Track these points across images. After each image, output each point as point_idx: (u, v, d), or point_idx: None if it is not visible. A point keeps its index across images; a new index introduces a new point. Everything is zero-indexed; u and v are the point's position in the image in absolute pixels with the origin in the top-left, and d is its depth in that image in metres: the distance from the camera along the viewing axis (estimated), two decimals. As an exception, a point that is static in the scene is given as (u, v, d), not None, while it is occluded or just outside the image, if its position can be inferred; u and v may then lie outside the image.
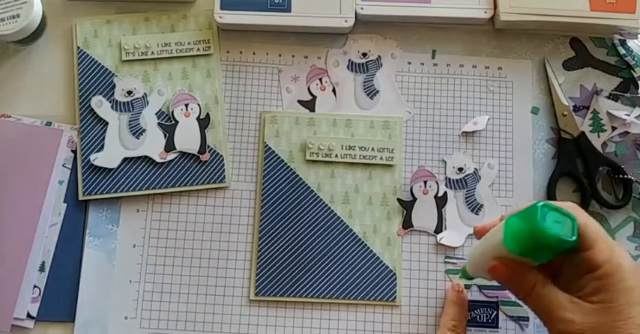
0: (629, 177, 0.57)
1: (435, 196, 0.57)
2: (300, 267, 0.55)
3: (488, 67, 0.60)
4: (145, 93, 0.58)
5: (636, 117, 0.58)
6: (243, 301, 0.55)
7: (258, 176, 0.57)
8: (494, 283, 0.55)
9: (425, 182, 0.57)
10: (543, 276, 0.42)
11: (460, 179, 0.58)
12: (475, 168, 0.58)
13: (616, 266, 0.40)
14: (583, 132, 0.58)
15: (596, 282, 0.40)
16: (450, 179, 0.58)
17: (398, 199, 0.57)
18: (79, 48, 0.59)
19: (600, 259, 0.40)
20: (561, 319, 0.40)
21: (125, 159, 0.57)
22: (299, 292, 0.55)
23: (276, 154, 0.57)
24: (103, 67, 0.59)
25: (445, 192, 0.57)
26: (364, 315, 0.55)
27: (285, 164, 0.57)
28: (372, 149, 0.57)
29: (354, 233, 0.56)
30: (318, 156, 0.57)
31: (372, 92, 0.60)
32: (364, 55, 0.60)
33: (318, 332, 0.54)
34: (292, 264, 0.55)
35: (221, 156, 0.58)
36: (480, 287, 0.55)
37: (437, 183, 0.58)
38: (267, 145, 0.58)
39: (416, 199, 0.57)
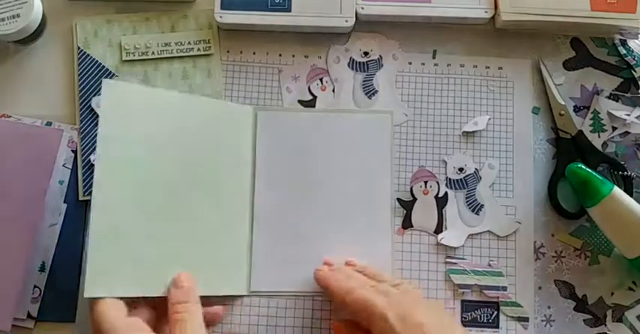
0: (630, 173, 0.57)
1: (436, 196, 0.57)
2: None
3: (488, 67, 0.60)
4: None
5: (636, 118, 0.58)
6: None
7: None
8: (495, 283, 0.55)
9: (425, 182, 0.57)
10: None
11: (460, 179, 0.58)
12: (476, 169, 0.58)
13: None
14: (581, 131, 0.58)
15: None
16: (450, 179, 0.58)
17: (398, 199, 0.57)
18: (79, 48, 0.59)
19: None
20: None
21: (125, 159, 0.57)
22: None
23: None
24: (103, 67, 0.59)
25: (446, 192, 0.57)
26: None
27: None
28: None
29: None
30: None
31: (370, 91, 0.60)
32: (366, 53, 0.60)
33: (319, 323, 0.54)
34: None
35: (221, 156, 0.58)
36: (481, 288, 0.55)
37: (437, 183, 0.58)
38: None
39: (416, 199, 0.57)
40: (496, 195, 0.58)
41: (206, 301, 0.50)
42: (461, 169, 0.58)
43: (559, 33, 0.61)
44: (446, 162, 0.58)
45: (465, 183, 0.58)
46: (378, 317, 0.45)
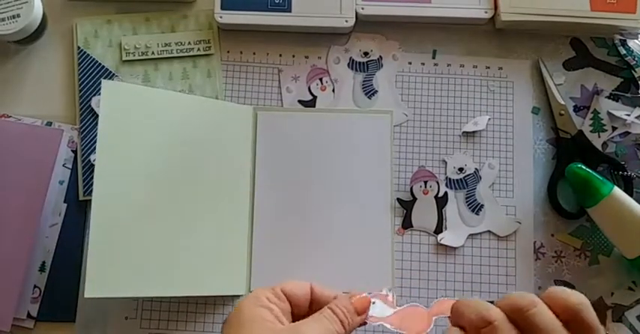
0: (630, 173, 0.57)
1: (436, 196, 0.57)
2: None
3: (488, 67, 0.60)
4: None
5: (636, 118, 0.58)
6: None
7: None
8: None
9: (425, 182, 0.57)
10: None
11: (460, 179, 0.58)
12: (476, 168, 0.58)
13: None
14: (581, 131, 0.58)
15: None
16: (450, 179, 0.58)
17: (398, 199, 0.57)
18: (79, 48, 0.59)
19: None
20: None
21: (125, 159, 0.57)
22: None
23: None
24: (103, 67, 0.59)
25: (445, 192, 0.57)
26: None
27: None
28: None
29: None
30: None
31: (370, 92, 0.60)
32: (366, 53, 0.60)
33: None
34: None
35: (221, 156, 0.58)
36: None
37: (437, 183, 0.57)
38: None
39: (416, 199, 0.57)
40: (496, 195, 0.57)
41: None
42: (461, 169, 0.58)
43: (559, 33, 0.61)
44: (446, 162, 0.58)
45: (465, 183, 0.58)
46: None
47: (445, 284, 0.55)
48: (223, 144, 0.56)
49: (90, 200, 0.55)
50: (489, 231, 0.57)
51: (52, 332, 0.54)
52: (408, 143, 0.58)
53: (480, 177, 0.58)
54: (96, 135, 0.55)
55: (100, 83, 0.58)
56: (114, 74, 0.59)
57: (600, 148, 0.58)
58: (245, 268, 0.55)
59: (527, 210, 0.57)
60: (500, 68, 0.60)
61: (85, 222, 0.56)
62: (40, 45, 0.60)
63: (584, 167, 0.55)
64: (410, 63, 0.60)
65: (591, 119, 0.59)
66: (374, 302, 0.45)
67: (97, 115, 0.57)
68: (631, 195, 0.55)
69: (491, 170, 0.58)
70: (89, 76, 0.59)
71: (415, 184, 0.57)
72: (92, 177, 0.56)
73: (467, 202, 0.57)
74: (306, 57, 0.60)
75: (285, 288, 0.44)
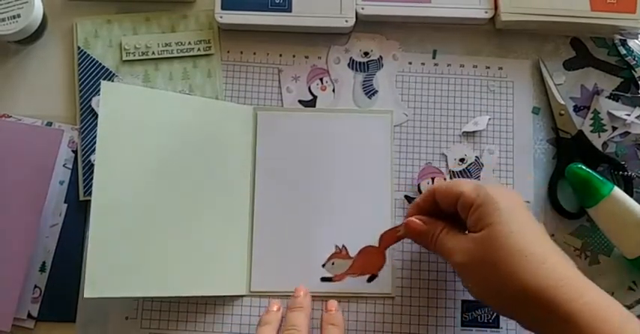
0: (630, 173, 0.57)
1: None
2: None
3: (488, 67, 0.60)
4: (146, 93, 0.58)
5: (637, 118, 0.58)
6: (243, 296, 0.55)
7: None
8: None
9: (432, 178, 0.57)
10: (447, 224, 0.49)
11: (463, 170, 0.58)
12: (476, 157, 0.58)
13: (484, 195, 0.46)
14: (581, 131, 0.58)
15: (475, 214, 0.46)
16: (453, 171, 0.58)
17: (405, 196, 0.57)
18: (79, 48, 0.59)
19: (471, 196, 0.46)
20: (457, 251, 0.46)
21: (125, 159, 0.57)
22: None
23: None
24: (103, 67, 0.59)
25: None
26: (365, 306, 0.55)
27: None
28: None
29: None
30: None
31: (370, 92, 0.60)
32: (366, 53, 0.60)
33: (318, 323, 0.54)
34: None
35: (221, 156, 0.58)
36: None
37: (445, 179, 0.58)
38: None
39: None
40: (496, 195, 0.57)
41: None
42: (462, 160, 0.58)
43: (559, 33, 0.61)
44: (446, 156, 0.58)
45: (469, 172, 0.58)
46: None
47: (446, 284, 0.55)
48: (223, 144, 0.56)
49: (90, 200, 0.55)
50: (490, 231, 0.57)
51: (52, 332, 0.54)
52: (408, 143, 0.58)
53: (482, 164, 0.58)
54: (96, 136, 0.56)
55: (100, 83, 0.58)
56: (114, 74, 0.59)
57: (600, 148, 0.58)
58: (245, 268, 0.55)
59: (528, 209, 0.57)
60: (500, 68, 0.60)
61: (86, 222, 0.56)
62: (40, 45, 0.60)
63: (584, 167, 0.55)
64: (410, 63, 0.60)
65: (591, 119, 0.59)
66: (333, 264, 0.55)
67: (98, 115, 0.57)
68: (631, 195, 0.55)
69: (491, 155, 0.58)
70: (89, 75, 0.59)
71: (422, 181, 0.57)
72: (92, 177, 0.56)
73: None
74: (307, 57, 0.60)
75: None
